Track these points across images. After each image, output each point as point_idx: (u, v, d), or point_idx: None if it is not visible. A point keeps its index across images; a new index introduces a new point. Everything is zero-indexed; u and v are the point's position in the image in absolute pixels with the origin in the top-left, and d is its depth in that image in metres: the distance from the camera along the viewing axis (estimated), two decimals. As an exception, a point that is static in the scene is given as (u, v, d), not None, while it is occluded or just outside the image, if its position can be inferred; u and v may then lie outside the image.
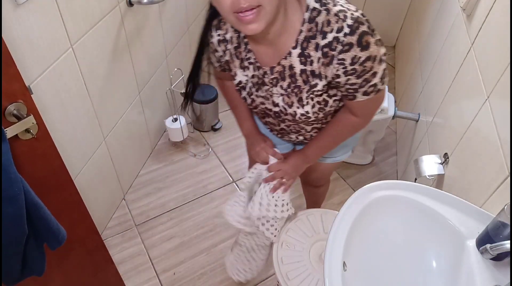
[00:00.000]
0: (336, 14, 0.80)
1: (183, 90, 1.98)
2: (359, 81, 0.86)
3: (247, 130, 1.19)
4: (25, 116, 0.82)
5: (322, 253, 1.23)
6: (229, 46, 0.97)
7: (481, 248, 0.76)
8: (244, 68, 0.99)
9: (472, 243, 0.80)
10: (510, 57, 0.91)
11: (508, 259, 0.75)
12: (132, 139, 1.86)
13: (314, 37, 0.83)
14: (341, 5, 0.82)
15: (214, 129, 2.25)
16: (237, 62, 0.99)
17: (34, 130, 0.85)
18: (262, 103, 1.02)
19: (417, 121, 1.78)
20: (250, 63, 0.96)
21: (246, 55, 0.96)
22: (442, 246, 0.86)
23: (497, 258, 0.75)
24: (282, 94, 0.96)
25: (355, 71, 0.84)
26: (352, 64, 0.83)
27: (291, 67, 0.90)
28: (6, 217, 0.77)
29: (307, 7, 0.83)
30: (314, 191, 1.57)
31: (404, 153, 1.94)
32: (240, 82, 1.01)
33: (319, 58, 0.85)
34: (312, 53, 0.85)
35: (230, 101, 1.18)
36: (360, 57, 0.82)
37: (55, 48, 1.18)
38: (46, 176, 0.94)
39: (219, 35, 0.97)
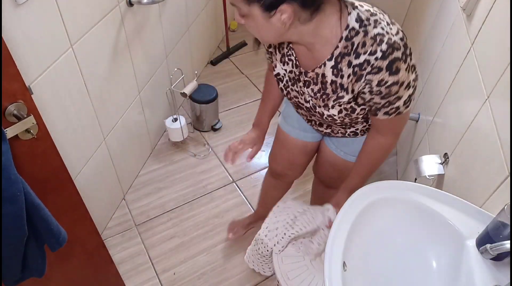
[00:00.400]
0: (372, 37, 0.83)
1: (183, 90, 1.98)
2: (383, 101, 0.90)
3: (257, 122, 1.31)
4: (25, 116, 0.82)
5: (322, 253, 1.23)
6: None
7: (481, 248, 0.76)
8: (284, 62, 1.03)
9: (472, 243, 0.80)
10: (510, 57, 0.91)
11: (508, 259, 0.75)
12: (132, 139, 1.86)
13: (348, 54, 0.87)
14: (382, 28, 0.84)
15: (214, 129, 2.25)
16: (278, 56, 1.04)
17: (34, 130, 0.85)
18: (296, 97, 1.08)
19: (417, 121, 1.78)
20: (290, 60, 1.01)
21: (287, 52, 1.01)
22: (442, 246, 0.86)
23: (497, 258, 0.75)
24: (311, 96, 1.02)
25: (380, 93, 0.88)
26: (378, 85, 0.86)
27: (324, 76, 0.94)
28: (6, 217, 0.77)
29: (347, 25, 0.85)
30: (327, 192, 1.56)
31: (404, 153, 1.94)
32: (278, 74, 1.07)
33: (349, 75, 0.89)
34: (344, 68, 0.89)
35: (265, 91, 1.28)
36: (387, 81, 0.85)
37: (55, 48, 1.18)
38: (46, 176, 0.94)
39: None
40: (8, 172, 0.74)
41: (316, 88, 0.98)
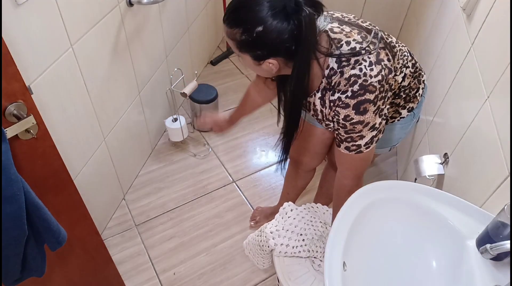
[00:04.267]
0: (347, 78, 0.88)
1: (183, 90, 1.98)
2: (346, 135, 0.96)
3: (232, 118, 1.39)
4: (25, 116, 0.82)
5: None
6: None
7: (481, 248, 0.76)
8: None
9: (472, 243, 0.80)
10: (510, 57, 0.91)
11: (508, 259, 0.75)
12: (132, 139, 1.86)
13: (330, 89, 0.94)
14: (360, 68, 0.87)
15: (214, 129, 2.25)
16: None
17: (34, 130, 0.85)
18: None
19: (417, 121, 1.78)
20: None
21: None
22: (442, 246, 0.86)
23: (497, 258, 0.75)
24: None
25: (345, 126, 0.93)
26: (344, 120, 0.92)
27: (314, 104, 1.02)
28: (6, 217, 0.77)
29: (328, 65, 0.91)
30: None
31: (404, 153, 1.94)
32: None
33: (329, 106, 0.96)
34: (327, 101, 0.96)
35: (245, 96, 1.34)
36: (352, 118, 0.90)
37: (55, 48, 1.18)
38: (46, 176, 0.94)
39: None
40: (8, 172, 0.74)
41: (310, 113, 1.08)
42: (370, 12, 2.56)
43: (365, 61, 0.88)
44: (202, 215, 1.84)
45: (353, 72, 0.87)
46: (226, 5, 2.63)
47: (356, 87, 0.87)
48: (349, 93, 0.87)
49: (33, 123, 0.84)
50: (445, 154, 1.22)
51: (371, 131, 0.93)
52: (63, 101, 1.27)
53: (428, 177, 1.22)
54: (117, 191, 1.83)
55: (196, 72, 2.35)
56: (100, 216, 1.70)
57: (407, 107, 1.14)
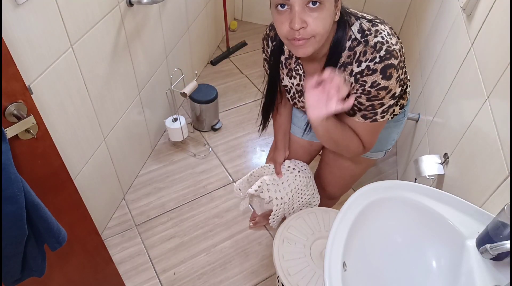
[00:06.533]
0: (373, 46, 0.88)
1: (183, 90, 1.99)
2: (367, 103, 0.94)
3: (278, 139, 1.37)
4: (25, 116, 0.82)
5: (323, 250, 1.23)
6: (280, 56, 1.08)
7: (481, 248, 0.76)
8: (290, 76, 1.10)
9: (472, 243, 0.80)
10: (510, 57, 0.91)
11: (508, 259, 0.75)
12: (132, 139, 1.86)
13: (351, 63, 0.92)
14: (382, 37, 0.89)
15: (214, 129, 2.25)
16: (285, 70, 1.10)
17: (34, 130, 0.85)
18: (303, 107, 1.14)
19: (417, 121, 1.78)
20: (298, 74, 1.07)
21: (295, 67, 1.07)
22: (442, 246, 0.86)
23: (497, 258, 0.75)
24: None
25: (369, 93, 0.92)
26: (370, 86, 0.91)
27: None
28: (6, 217, 0.77)
29: (350, 36, 0.91)
30: (326, 203, 1.57)
31: (404, 153, 1.94)
32: (286, 85, 1.14)
33: (351, 83, 0.93)
34: (347, 77, 0.93)
35: (274, 118, 1.34)
36: (379, 84, 0.89)
37: (55, 48, 1.18)
38: (46, 176, 0.94)
39: (274, 45, 1.08)
40: (8, 172, 0.74)
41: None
42: (370, 12, 2.55)
43: (384, 31, 0.90)
44: (202, 215, 1.84)
45: (376, 39, 0.89)
46: (226, 5, 2.64)
47: (382, 53, 0.87)
48: (377, 59, 0.88)
49: (33, 123, 0.84)
50: (445, 154, 1.22)
51: (391, 99, 0.93)
52: (63, 101, 1.27)
53: (428, 177, 1.22)
54: (117, 191, 1.83)
55: (196, 72, 2.35)
56: (100, 216, 1.70)
57: (399, 103, 1.14)
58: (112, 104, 1.59)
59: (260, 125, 1.27)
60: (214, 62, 2.73)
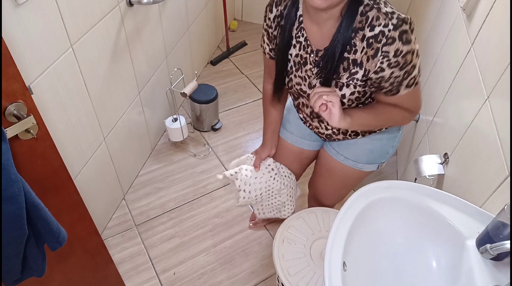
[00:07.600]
0: (385, 13, 0.89)
1: (183, 90, 1.99)
2: (402, 72, 0.93)
3: (266, 136, 1.39)
4: (25, 116, 0.82)
5: (323, 250, 1.23)
6: (283, 22, 1.04)
7: (481, 248, 0.76)
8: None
9: (472, 243, 0.80)
10: (510, 57, 0.91)
11: (508, 259, 0.75)
12: (132, 139, 1.86)
13: (362, 28, 0.92)
14: (391, 7, 0.91)
15: (214, 129, 2.25)
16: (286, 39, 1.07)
17: (34, 130, 0.85)
18: (298, 84, 1.10)
19: (417, 121, 1.78)
20: (298, 42, 1.04)
21: (297, 33, 1.03)
22: (442, 246, 0.86)
23: (497, 258, 0.75)
24: (321, 76, 1.03)
25: (398, 63, 0.91)
26: (395, 56, 0.90)
27: (348, 64, 0.98)
28: (6, 217, 0.77)
29: (362, 1, 0.91)
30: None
31: (404, 153, 1.94)
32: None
33: (363, 48, 0.93)
34: (358, 43, 0.93)
35: (265, 115, 1.36)
36: (402, 51, 0.89)
37: (55, 48, 1.18)
38: (46, 176, 0.94)
39: (277, 10, 1.05)
40: (8, 172, 0.74)
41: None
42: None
43: (391, 4, 0.93)
44: (202, 215, 1.84)
45: (386, 9, 0.90)
46: (226, 5, 2.64)
47: (394, 20, 0.88)
48: (390, 26, 0.88)
49: (33, 123, 0.84)
50: (445, 154, 1.22)
51: (417, 58, 0.94)
52: (63, 101, 1.27)
53: (428, 177, 1.22)
54: (117, 191, 1.83)
55: (196, 72, 2.35)
56: (100, 216, 1.70)
57: None
58: (112, 104, 1.59)
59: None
60: (214, 62, 2.73)
